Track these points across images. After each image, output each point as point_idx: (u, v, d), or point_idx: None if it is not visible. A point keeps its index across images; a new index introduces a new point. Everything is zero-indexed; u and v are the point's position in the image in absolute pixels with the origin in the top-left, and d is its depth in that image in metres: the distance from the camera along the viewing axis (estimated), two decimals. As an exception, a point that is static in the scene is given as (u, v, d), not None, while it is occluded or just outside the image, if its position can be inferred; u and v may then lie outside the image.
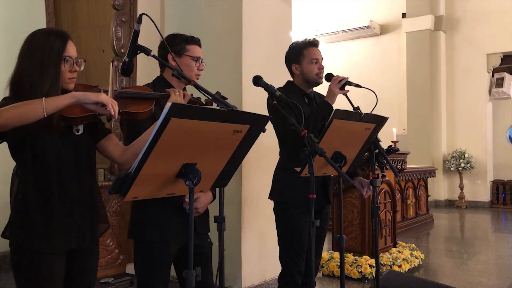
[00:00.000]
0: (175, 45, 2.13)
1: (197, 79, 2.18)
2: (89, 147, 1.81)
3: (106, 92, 1.74)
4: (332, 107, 2.47)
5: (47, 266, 1.67)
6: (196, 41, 2.19)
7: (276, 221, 2.61)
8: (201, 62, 2.17)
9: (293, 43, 2.70)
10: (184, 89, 2.24)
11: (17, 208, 1.70)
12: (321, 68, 2.58)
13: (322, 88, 2.58)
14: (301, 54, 2.58)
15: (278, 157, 2.64)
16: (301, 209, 2.44)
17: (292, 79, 2.67)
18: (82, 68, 1.76)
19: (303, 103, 2.54)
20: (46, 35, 1.72)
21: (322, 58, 2.60)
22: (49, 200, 1.67)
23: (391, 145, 2.64)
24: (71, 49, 1.73)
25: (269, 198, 2.63)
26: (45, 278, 1.67)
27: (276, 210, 2.61)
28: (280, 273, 2.57)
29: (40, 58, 1.66)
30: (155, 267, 1.99)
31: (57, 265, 1.70)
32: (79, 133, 1.76)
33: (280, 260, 2.58)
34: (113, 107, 1.57)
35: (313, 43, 2.62)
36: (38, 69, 1.65)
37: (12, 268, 1.71)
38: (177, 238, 1.98)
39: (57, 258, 1.70)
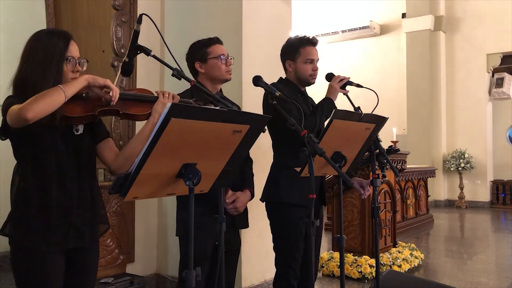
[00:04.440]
0: (197, 53, 2.23)
1: (230, 74, 2.29)
2: (89, 147, 1.81)
3: None
4: (334, 103, 2.45)
5: (46, 264, 1.68)
6: (215, 41, 2.29)
7: (270, 224, 2.55)
8: (228, 58, 2.23)
9: (291, 38, 2.63)
10: (221, 90, 2.36)
11: (17, 206, 1.71)
12: (315, 70, 2.51)
13: (322, 88, 2.58)
14: (297, 51, 2.51)
15: (278, 157, 2.62)
16: (297, 210, 2.41)
17: (285, 75, 2.62)
18: (84, 68, 1.78)
19: (300, 101, 2.50)
20: (48, 35, 1.73)
21: (318, 59, 2.53)
22: (48, 198, 1.68)
23: (392, 145, 2.63)
24: (74, 49, 1.74)
25: (261, 200, 2.56)
26: (43, 276, 1.68)
27: (270, 211, 2.54)
28: (275, 276, 2.53)
29: (42, 58, 1.67)
30: (197, 261, 2.03)
31: (55, 263, 1.70)
32: (79, 133, 1.76)
33: (275, 264, 2.54)
34: (115, 94, 1.65)
35: (311, 42, 2.53)
36: (40, 69, 1.67)
37: (11, 265, 1.72)
38: (213, 234, 2.02)
39: (55, 256, 1.70)
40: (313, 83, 2.56)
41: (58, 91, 1.55)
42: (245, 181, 2.36)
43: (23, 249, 1.68)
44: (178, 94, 2.09)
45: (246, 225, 2.41)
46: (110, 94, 1.64)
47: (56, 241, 1.69)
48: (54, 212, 1.68)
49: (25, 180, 1.70)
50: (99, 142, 1.85)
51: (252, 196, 2.37)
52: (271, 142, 2.62)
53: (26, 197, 1.69)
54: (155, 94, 1.85)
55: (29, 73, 1.67)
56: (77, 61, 1.74)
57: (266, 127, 1.72)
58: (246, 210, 2.35)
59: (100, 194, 1.90)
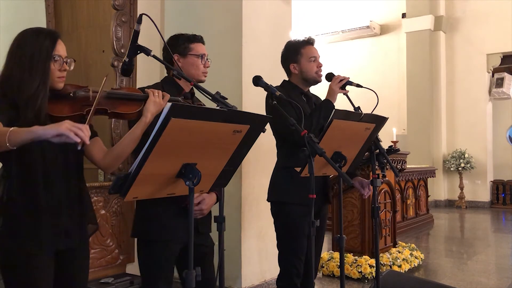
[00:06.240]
0: (179, 45, 2.15)
1: (205, 76, 2.20)
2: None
3: (95, 92, 1.72)
4: (334, 105, 2.47)
5: (35, 267, 1.65)
6: (198, 39, 2.20)
7: (274, 223, 2.58)
8: (207, 59, 2.19)
9: (289, 42, 2.67)
10: (192, 88, 2.25)
11: (3, 210, 1.66)
12: (320, 66, 2.57)
13: (322, 88, 2.58)
14: (298, 53, 2.56)
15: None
16: (300, 210, 2.42)
17: (288, 78, 2.65)
18: (71, 67, 1.74)
19: (302, 102, 2.53)
20: (35, 34, 1.70)
21: (319, 56, 2.59)
22: (36, 201, 1.65)
23: (392, 145, 2.64)
24: (61, 49, 1.71)
25: (267, 200, 2.60)
26: (33, 279, 1.66)
27: (274, 211, 2.58)
28: (279, 275, 2.55)
29: (29, 57, 1.65)
30: (158, 266, 2.00)
31: (45, 265, 1.68)
32: None
33: (279, 262, 2.56)
34: (79, 134, 1.39)
35: (310, 42, 2.60)
36: (27, 68, 1.64)
37: (0, 271, 1.68)
38: (179, 238, 1.97)
39: (45, 258, 1.68)
40: (320, 80, 2.59)
41: (2, 137, 1.42)
42: None
43: (12, 253, 1.64)
44: (148, 86, 2.05)
45: (209, 230, 2.20)
46: (75, 139, 1.40)
47: (46, 243, 1.66)
48: (42, 213, 1.65)
49: (10, 181, 1.66)
50: None
51: (218, 199, 2.16)
52: (271, 142, 2.63)
53: (12, 198, 1.65)
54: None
55: (15, 72, 1.64)
56: (64, 60, 1.71)
57: (266, 127, 1.72)
58: (210, 214, 2.18)
59: (89, 195, 1.89)
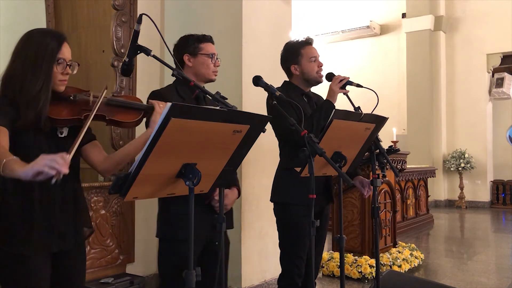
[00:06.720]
0: (189, 46, 2.19)
1: (215, 75, 2.25)
2: None
3: (96, 97, 1.72)
4: (334, 106, 2.47)
5: (30, 269, 1.65)
6: (208, 39, 2.25)
7: (277, 223, 2.59)
8: (216, 58, 2.22)
9: (288, 44, 2.67)
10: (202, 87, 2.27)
11: None
12: (320, 66, 2.57)
13: (323, 88, 2.58)
14: (298, 54, 2.56)
15: (278, 157, 2.63)
16: (303, 210, 2.40)
17: (288, 79, 2.65)
18: (75, 71, 1.74)
19: (303, 103, 2.54)
20: (42, 35, 1.70)
21: (319, 55, 2.59)
22: (30, 201, 1.64)
23: (392, 145, 2.64)
24: (66, 51, 1.71)
25: (270, 200, 2.60)
26: (28, 280, 1.65)
27: (277, 211, 2.59)
28: (280, 275, 2.55)
29: (33, 57, 1.64)
30: (181, 265, 2.00)
31: (40, 267, 1.67)
32: (63, 135, 1.74)
33: (280, 262, 2.57)
34: (54, 166, 1.32)
35: (309, 42, 2.60)
36: (30, 68, 1.63)
37: None
38: (201, 236, 1.98)
39: (40, 259, 1.67)
40: (321, 81, 2.59)
41: None
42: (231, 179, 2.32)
43: (7, 255, 1.63)
44: (162, 89, 2.11)
45: (231, 226, 2.27)
46: (51, 173, 1.34)
47: (39, 245, 1.65)
48: (36, 215, 1.64)
49: (5, 182, 1.64)
50: (84, 145, 1.80)
51: (239, 194, 2.28)
52: (271, 142, 2.63)
53: (6, 199, 1.64)
54: (144, 103, 1.84)
55: (18, 71, 1.64)
56: (68, 63, 1.70)
57: (266, 127, 1.72)
58: (231, 210, 2.26)
59: (84, 198, 1.88)
